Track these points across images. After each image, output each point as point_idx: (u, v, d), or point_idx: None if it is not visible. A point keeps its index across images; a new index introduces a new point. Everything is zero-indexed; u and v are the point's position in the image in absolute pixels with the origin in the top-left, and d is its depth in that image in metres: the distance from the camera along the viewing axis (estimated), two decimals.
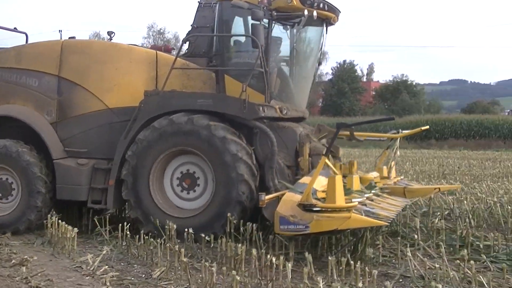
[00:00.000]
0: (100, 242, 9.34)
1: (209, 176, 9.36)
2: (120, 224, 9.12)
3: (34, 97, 10.27)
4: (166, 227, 8.74)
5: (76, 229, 8.53)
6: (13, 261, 7.84)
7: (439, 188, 10.70)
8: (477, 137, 49.65)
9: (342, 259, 6.93)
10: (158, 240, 8.11)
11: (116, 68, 10.09)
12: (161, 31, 78.24)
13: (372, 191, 9.09)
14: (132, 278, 7.19)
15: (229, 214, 8.81)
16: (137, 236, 8.57)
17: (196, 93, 9.81)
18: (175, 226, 8.65)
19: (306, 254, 7.27)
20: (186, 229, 8.45)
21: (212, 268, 6.37)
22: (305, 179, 8.49)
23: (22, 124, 10.11)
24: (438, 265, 6.94)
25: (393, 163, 11.08)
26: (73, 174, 9.77)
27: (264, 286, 6.58)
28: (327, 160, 8.21)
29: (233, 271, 6.37)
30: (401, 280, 7.17)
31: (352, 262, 6.86)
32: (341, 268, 6.94)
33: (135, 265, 7.91)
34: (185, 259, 6.99)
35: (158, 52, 10.36)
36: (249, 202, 9.13)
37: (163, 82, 9.78)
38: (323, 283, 6.29)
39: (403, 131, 11.02)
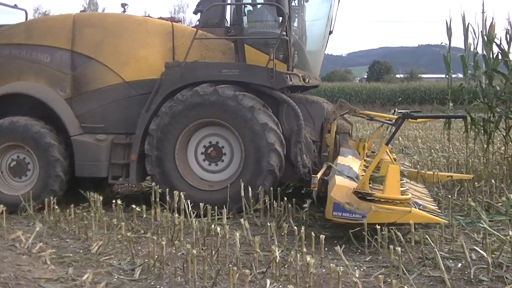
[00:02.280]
0: (25, 217, 9.00)
1: (236, 148, 9.17)
2: (46, 199, 8.93)
3: (46, 73, 9.85)
4: (92, 199, 8.63)
5: (2, 206, 8.27)
6: None
7: (451, 176, 10.56)
8: None
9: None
10: (92, 214, 8.00)
11: (132, 41, 9.74)
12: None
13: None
14: (71, 255, 7.02)
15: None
16: (68, 210, 8.35)
17: (221, 63, 9.54)
18: (100, 197, 8.53)
19: (242, 221, 7.39)
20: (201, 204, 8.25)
21: (162, 242, 6.30)
22: (343, 160, 8.45)
23: (35, 101, 9.72)
24: None
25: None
26: (93, 150, 9.49)
27: (208, 256, 6.59)
28: (387, 150, 8.12)
29: (186, 244, 6.09)
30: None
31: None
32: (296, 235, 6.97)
33: (68, 240, 7.54)
34: (128, 234, 6.79)
35: (173, 23, 10.00)
36: (279, 171, 9.00)
37: (180, 53, 9.56)
38: (279, 251, 6.38)
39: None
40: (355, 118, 16.36)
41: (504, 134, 11.72)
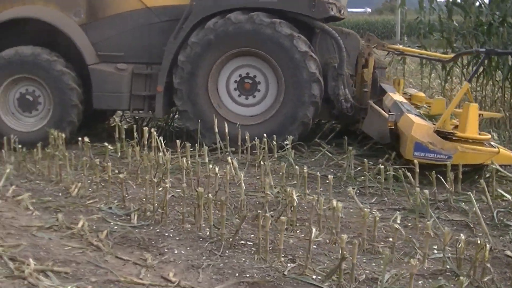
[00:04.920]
0: None
1: (272, 79, 8.61)
2: (5, 137, 8.11)
3: None
4: (52, 136, 7.87)
5: None
6: None
7: (482, 114, 10.05)
8: None
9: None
10: (67, 154, 7.27)
11: None
12: None
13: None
14: (51, 199, 6.39)
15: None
16: (35, 150, 7.59)
17: None
18: (63, 135, 7.81)
19: (229, 159, 6.83)
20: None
21: (166, 185, 5.60)
22: (396, 97, 8.07)
23: (43, 27, 8.81)
24: None
25: None
26: (113, 80, 8.78)
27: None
28: (469, 88, 7.70)
29: (198, 187, 5.40)
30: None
31: None
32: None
33: (38, 182, 6.88)
34: (121, 175, 6.13)
35: None
36: (321, 102, 8.51)
37: None
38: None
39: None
40: None
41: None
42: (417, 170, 6.59)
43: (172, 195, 6.13)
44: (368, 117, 8.36)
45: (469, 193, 5.80)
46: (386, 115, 7.53)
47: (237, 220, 5.44)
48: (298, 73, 8.37)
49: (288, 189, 5.48)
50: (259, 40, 8.41)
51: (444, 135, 6.97)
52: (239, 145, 8.01)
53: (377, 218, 4.98)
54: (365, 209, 4.96)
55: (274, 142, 7.79)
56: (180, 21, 8.65)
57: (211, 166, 6.24)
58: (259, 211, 4.90)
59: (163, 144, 7.67)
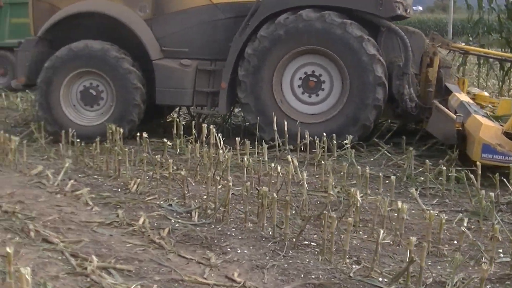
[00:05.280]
0: (36, 149, 8.29)
1: (336, 79, 8.55)
2: (63, 130, 8.15)
3: None
4: (110, 131, 7.89)
5: (18, 138, 7.48)
6: None
7: None
8: None
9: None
10: (126, 149, 7.25)
11: None
12: None
13: None
14: (109, 194, 6.38)
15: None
16: (93, 144, 7.52)
17: None
18: (121, 130, 7.80)
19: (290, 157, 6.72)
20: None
21: (230, 183, 5.41)
22: (463, 97, 7.96)
23: (108, 22, 8.90)
24: None
25: None
26: (177, 76, 8.80)
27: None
28: None
29: (263, 186, 5.34)
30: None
31: None
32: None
33: (96, 177, 6.92)
34: (182, 172, 6.10)
35: None
36: (384, 105, 8.46)
37: None
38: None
39: None
40: None
41: None
42: (479, 172, 6.42)
43: (233, 193, 6.05)
44: (433, 117, 8.19)
45: None
46: (453, 115, 7.39)
47: (301, 220, 5.35)
48: (365, 75, 8.28)
49: (352, 190, 5.36)
50: (329, 39, 8.33)
51: None
52: (298, 143, 7.91)
53: (443, 221, 4.84)
54: (431, 211, 4.83)
55: (334, 141, 7.67)
56: (246, 17, 8.63)
57: (273, 164, 6.12)
58: (325, 211, 4.79)
59: (221, 141, 7.61)
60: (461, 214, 5.74)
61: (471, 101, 7.94)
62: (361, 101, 8.32)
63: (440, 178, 6.56)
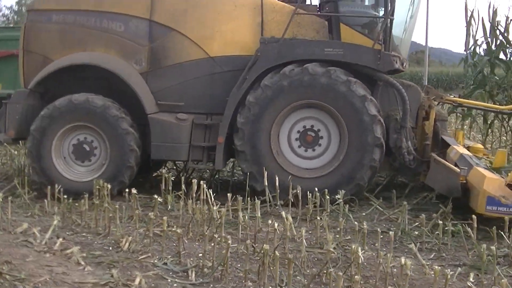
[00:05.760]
0: (20, 206, 8.00)
1: (335, 136, 8.53)
2: (49, 186, 7.95)
3: (119, 43, 8.89)
4: (97, 187, 7.69)
5: (1, 194, 7.23)
6: None
7: None
8: None
9: None
10: (116, 206, 7.06)
11: (218, 13, 8.94)
12: None
13: None
14: (101, 253, 6.18)
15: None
16: (82, 200, 7.31)
17: (322, 41, 8.82)
18: (108, 185, 7.61)
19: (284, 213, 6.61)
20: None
21: (228, 241, 5.28)
22: (461, 149, 8.11)
23: (103, 75, 8.72)
24: None
25: None
26: (173, 130, 8.66)
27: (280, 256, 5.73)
28: None
29: (264, 244, 5.08)
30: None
31: None
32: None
33: (85, 235, 6.77)
34: (178, 230, 5.80)
35: None
36: (379, 167, 8.47)
37: (269, 29, 8.82)
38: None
39: None
40: None
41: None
42: (475, 225, 6.39)
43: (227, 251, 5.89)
44: (432, 170, 8.22)
45: None
46: (456, 169, 7.40)
47: (304, 278, 5.23)
48: (364, 135, 8.29)
49: (353, 246, 5.24)
50: (332, 95, 8.33)
51: None
52: (289, 198, 7.80)
53: (448, 276, 4.74)
54: (435, 267, 4.75)
55: (327, 197, 7.58)
56: (244, 71, 8.59)
57: (270, 221, 6.00)
58: (329, 269, 4.67)
59: (212, 197, 7.47)
60: (459, 268, 5.65)
61: (470, 153, 7.98)
62: (358, 161, 8.30)
63: (437, 232, 6.49)
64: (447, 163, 7.85)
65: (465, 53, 12.39)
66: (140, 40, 8.88)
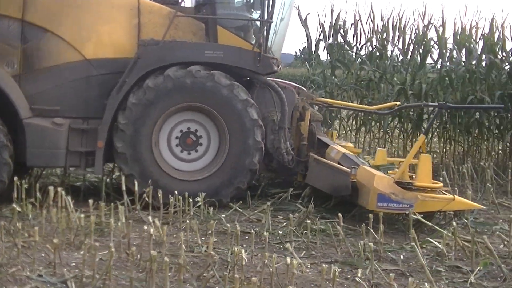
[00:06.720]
0: None
1: (214, 137, 8.55)
2: None
3: None
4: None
5: None
6: None
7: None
8: None
9: None
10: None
11: (94, 14, 8.59)
12: None
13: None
14: None
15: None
16: None
17: (202, 43, 8.79)
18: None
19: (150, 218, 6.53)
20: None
21: (112, 249, 5.03)
22: (342, 148, 8.48)
23: None
24: None
25: None
26: (50, 136, 8.23)
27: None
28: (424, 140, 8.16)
29: (151, 251, 4.99)
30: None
31: None
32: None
33: None
34: (55, 240, 5.69)
35: None
36: (258, 169, 8.53)
37: (146, 31, 8.63)
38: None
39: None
40: None
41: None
42: (341, 223, 6.69)
43: (100, 259, 5.76)
44: (313, 170, 8.51)
45: (413, 244, 5.93)
46: (345, 168, 7.74)
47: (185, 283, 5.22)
48: (245, 139, 8.39)
49: (235, 248, 5.32)
50: (215, 98, 8.36)
51: (404, 185, 7.33)
52: (150, 203, 7.70)
53: (337, 273, 4.94)
54: (324, 265, 4.94)
55: (190, 200, 7.60)
56: (124, 74, 8.39)
57: (145, 227, 5.94)
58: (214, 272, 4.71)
59: (71, 204, 7.20)
60: (333, 265, 5.84)
61: (351, 152, 8.35)
62: (239, 164, 8.40)
63: (305, 231, 6.70)
64: (332, 162, 8.17)
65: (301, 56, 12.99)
66: (12, 41, 8.37)
